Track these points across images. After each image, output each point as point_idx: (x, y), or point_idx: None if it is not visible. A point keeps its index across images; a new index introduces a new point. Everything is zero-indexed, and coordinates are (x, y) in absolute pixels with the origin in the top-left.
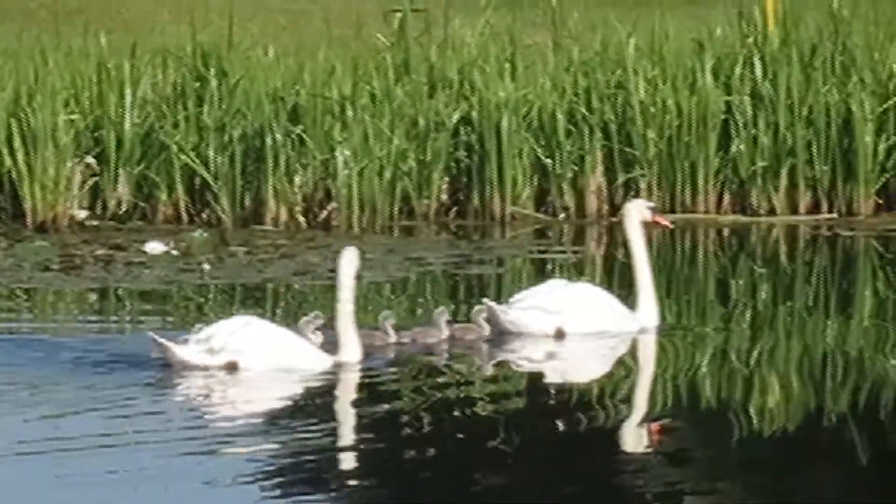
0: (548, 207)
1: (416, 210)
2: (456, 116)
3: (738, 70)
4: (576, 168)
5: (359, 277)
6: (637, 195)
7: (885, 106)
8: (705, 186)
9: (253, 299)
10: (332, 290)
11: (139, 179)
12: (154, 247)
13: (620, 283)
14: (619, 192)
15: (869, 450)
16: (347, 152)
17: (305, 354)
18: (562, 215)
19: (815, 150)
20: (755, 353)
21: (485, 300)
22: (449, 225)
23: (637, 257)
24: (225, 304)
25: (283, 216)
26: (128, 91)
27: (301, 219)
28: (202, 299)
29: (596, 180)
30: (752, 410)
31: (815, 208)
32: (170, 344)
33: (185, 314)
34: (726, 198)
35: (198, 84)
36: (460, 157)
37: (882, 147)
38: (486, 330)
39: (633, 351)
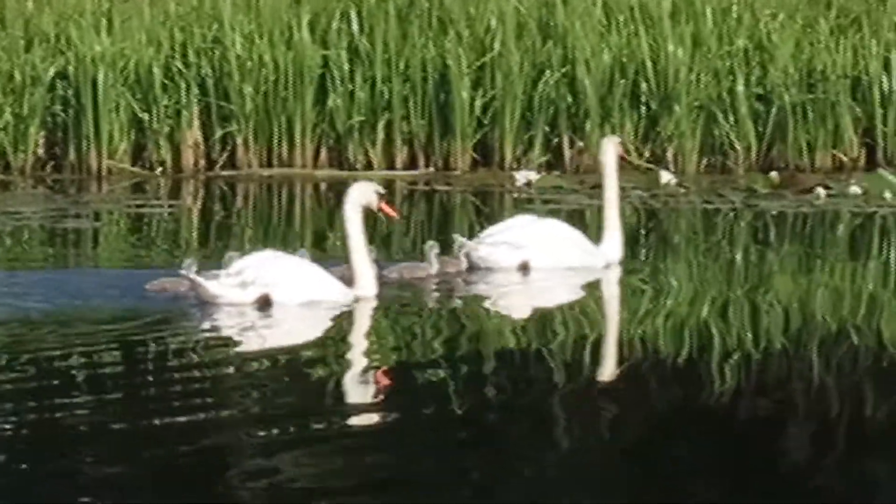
0: (144, 162)
1: (12, 164)
2: (52, 71)
3: (335, 24)
4: (172, 123)
5: (375, 211)
6: (234, 150)
7: (481, 61)
8: (302, 141)
9: None
10: None
11: None
12: None
13: (217, 238)
14: (215, 147)
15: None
16: None
17: (331, 288)
18: (158, 170)
19: (412, 105)
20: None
21: (457, 236)
22: (45, 179)
23: (608, 193)
24: None
25: None
26: None
27: None
28: None
29: (192, 135)
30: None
31: (412, 163)
32: (201, 280)
33: None
34: (323, 152)
35: None
36: (56, 111)
37: (478, 102)
38: (464, 264)
39: None
